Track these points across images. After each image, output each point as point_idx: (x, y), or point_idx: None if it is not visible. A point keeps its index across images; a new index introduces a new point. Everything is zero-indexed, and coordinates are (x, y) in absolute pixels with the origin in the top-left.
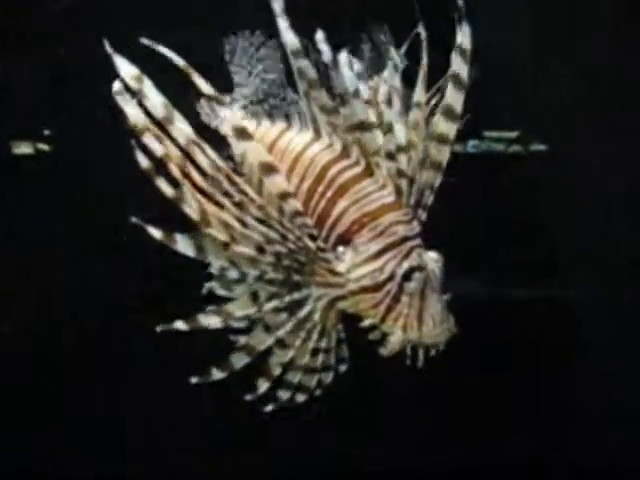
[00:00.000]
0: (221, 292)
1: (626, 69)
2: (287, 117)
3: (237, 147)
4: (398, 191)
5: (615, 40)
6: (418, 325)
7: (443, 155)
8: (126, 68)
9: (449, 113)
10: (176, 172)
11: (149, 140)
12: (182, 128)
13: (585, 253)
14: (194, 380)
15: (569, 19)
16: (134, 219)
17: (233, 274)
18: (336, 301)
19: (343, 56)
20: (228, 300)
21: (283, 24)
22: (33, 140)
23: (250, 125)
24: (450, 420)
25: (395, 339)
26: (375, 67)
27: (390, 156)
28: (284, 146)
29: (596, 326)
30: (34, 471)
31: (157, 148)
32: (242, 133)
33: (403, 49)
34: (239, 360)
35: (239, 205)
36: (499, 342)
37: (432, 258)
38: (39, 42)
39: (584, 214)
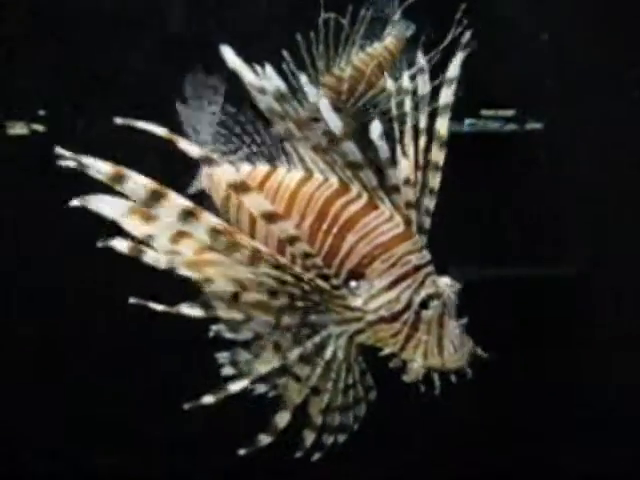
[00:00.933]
0: (228, 335)
1: (622, 48)
2: (270, 159)
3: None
4: (407, 222)
5: (612, 19)
6: (439, 351)
7: (436, 181)
8: (100, 167)
9: (441, 141)
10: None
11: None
12: (178, 202)
13: (583, 232)
14: (242, 452)
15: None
16: (132, 299)
17: (239, 316)
18: (355, 335)
19: (323, 101)
20: (235, 344)
21: (267, 70)
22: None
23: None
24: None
25: (417, 366)
26: (376, 32)
27: (395, 189)
28: (274, 187)
29: (596, 302)
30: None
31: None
32: (240, 187)
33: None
34: (282, 419)
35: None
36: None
37: (446, 284)
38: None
39: (581, 192)
